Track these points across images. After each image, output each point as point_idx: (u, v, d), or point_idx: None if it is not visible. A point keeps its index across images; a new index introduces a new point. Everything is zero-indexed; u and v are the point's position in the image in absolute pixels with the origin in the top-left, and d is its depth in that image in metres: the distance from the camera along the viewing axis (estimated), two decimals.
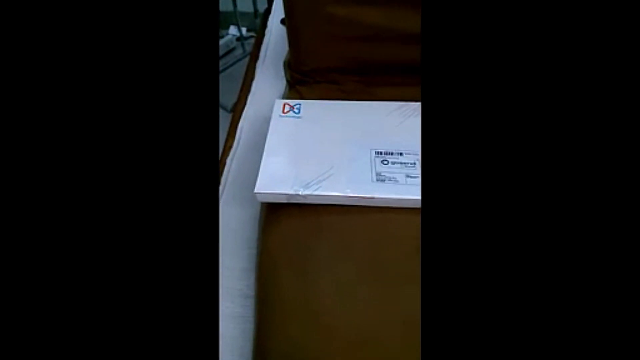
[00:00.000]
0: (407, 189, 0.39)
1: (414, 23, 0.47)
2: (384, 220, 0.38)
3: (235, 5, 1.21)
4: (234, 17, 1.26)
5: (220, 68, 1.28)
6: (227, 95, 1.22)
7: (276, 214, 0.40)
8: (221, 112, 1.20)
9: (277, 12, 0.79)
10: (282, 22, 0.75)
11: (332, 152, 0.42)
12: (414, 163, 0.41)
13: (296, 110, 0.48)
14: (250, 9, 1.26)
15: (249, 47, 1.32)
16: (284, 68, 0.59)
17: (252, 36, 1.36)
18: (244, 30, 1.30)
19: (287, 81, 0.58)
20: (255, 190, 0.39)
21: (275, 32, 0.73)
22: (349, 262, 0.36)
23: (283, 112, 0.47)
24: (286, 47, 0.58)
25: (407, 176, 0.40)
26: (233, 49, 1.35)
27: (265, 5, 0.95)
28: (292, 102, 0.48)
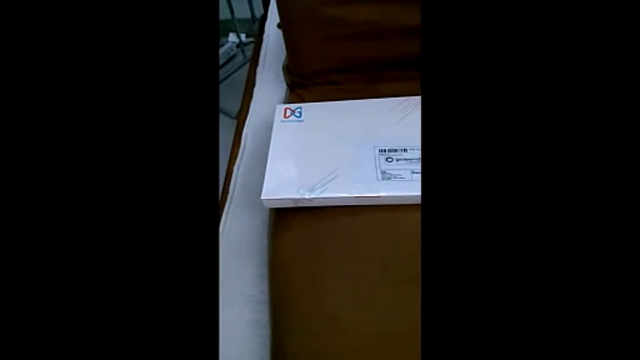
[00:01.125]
0: (413, 185, 0.38)
1: (408, 16, 0.47)
2: (391, 219, 0.38)
3: (232, 12, 1.22)
4: (232, 25, 1.27)
5: (223, 76, 1.30)
6: (231, 102, 1.23)
7: (284, 219, 0.41)
8: (226, 119, 1.22)
9: (274, 16, 0.79)
10: (279, 25, 0.75)
11: (335, 153, 0.42)
12: (419, 158, 0.41)
13: (297, 114, 0.48)
14: (248, 15, 1.26)
15: (249, 53, 1.33)
16: (283, 72, 0.59)
17: (251, 42, 1.37)
18: (243, 36, 1.31)
19: (288, 85, 0.58)
20: (262, 197, 0.40)
21: (273, 36, 0.73)
22: (359, 262, 0.36)
23: (285, 117, 0.48)
24: (285, 51, 0.58)
25: (413, 172, 0.39)
26: (234, 56, 1.36)
27: (262, 11, 0.96)
28: (292, 106, 0.49)
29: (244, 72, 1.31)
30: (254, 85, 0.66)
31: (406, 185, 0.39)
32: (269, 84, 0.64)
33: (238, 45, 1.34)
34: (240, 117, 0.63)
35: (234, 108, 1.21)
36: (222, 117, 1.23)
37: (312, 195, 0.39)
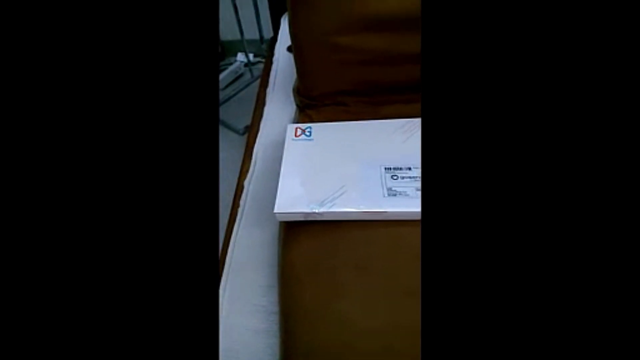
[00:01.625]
0: (417, 202, 0.41)
1: (411, 46, 0.51)
2: (396, 233, 0.40)
3: (242, 33, 1.28)
4: (241, 45, 1.33)
5: (231, 93, 1.34)
6: (238, 118, 1.27)
7: (294, 232, 0.43)
8: (233, 134, 1.26)
9: (283, 40, 0.84)
10: (288, 49, 0.80)
11: (344, 170, 0.45)
12: None
13: (307, 133, 0.51)
14: (256, 36, 1.33)
15: (256, 72, 1.39)
16: (294, 94, 0.63)
17: (259, 61, 1.43)
18: (251, 56, 1.37)
19: (297, 105, 0.62)
20: (275, 211, 0.42)
21: (283, 59, 0.77)
22: (365, 274, 0.38)
23: (295, 135, 0.51)
24: (293, 73, 0.62)
25: (417, 189, 0.42)
26: (242, 75, 1.42)
27: (269, 32, 1.01)
28: (303, 126, 0.52)
29: (250, 89, 1.36)
30: (264, 105, 0.70)
31: (410, 201, 0.41)
32: (279, 103, 0.67)
33: (246, 65, 1.39)
34: (251, 135, 0.66)
35: (241, 124, 1.25)
36: (228, 132, 1.27)
37: (322, 210, 0.41)
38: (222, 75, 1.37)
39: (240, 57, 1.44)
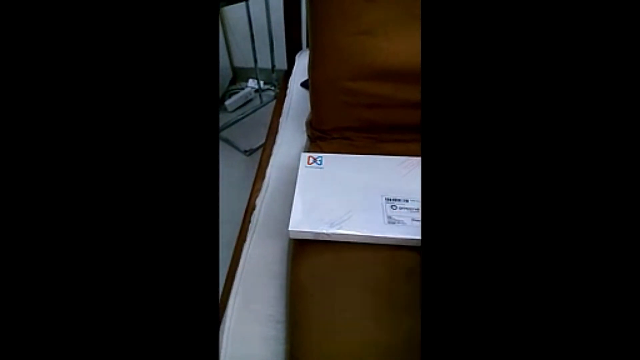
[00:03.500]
0: (413, 230, 0.47)
1: (411, 94, 0.59)
2: (394, 256, 0.46)
3: (256, 61, 1.38)
4: (253, 72, 1.43)
5: (240, 116, 1.43)
6: (246, 140, 1.35)
7: (304, 249, 0.48)
8: (238, 154, 1.32)
9: (297, 74, 0.93)
10: (302, 85, 0.88)
11: (350, 198, 0.51)
12: (418, 209, 0.50)
13: (319, 162, 0.58)
14: (268, 66, 1.43)
15: (265, 98, 1.49)
16: (306, 126, 0.70)
17: (268, 89, 1.53)
18: (261, 83, 1.47)
19: (308, 136, 0.69)
20: (289, 229, 0.48)
21: (296, 93, 0.86)
22: (365, 289, 0.43)
23: (308, 163, 0.57)
24: (306, 107, 0.70)
25: (413, 219, 0.48)
26: (251, 100, 1.51)
27: (280, 62, 1.11)
28: (315, 155, 0.59)
29: (258, 114, 1.45)
30: (277, 132, 0.77)
31: (407, 229, 0.47)
32: (292, 132, 0.74)
33: (256, 91, 1.49)
34: (264, 157, 0.73)
35: (246, 146, 1.32)
36: (234, 152, 1.33)
37: (330, 231, 0.47)
38: (233, 99, 1.46)
39: (251, 83, 1.54)
